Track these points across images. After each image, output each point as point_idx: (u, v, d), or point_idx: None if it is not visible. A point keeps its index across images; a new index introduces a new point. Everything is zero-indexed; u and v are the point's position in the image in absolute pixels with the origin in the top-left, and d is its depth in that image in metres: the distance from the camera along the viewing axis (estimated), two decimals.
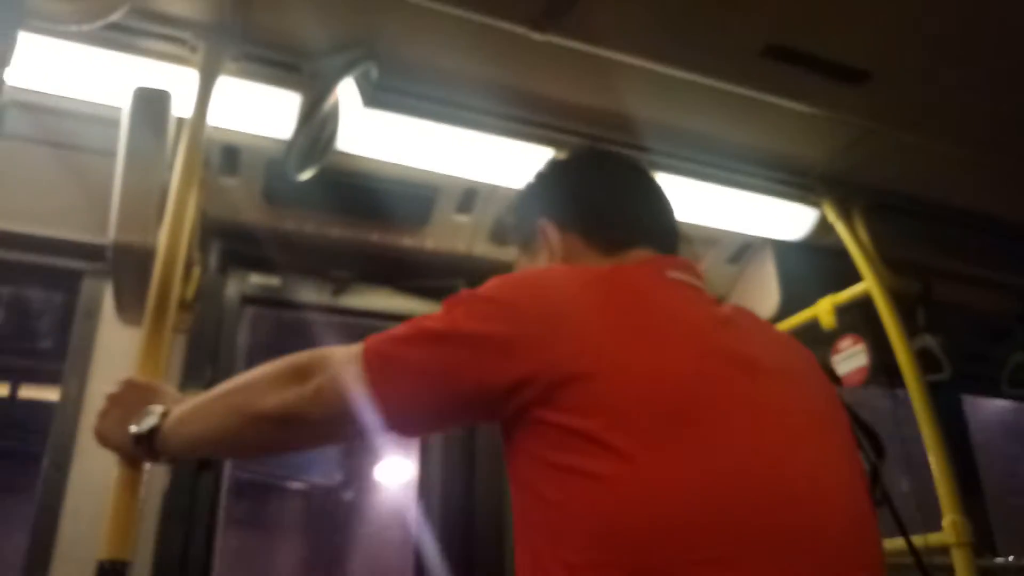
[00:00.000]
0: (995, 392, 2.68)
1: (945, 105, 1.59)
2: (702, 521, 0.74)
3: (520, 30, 1.27)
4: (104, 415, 1.10)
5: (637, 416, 0.78)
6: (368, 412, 0.86)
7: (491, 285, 0.89)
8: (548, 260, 1.07)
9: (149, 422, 1.02)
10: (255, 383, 0.96)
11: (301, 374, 0.91)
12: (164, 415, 1.03)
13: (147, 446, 1.03)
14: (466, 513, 1.95)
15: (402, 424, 0.88)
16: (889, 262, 1.94)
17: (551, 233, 1.08)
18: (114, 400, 1.10)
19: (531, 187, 1.17)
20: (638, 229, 1.07)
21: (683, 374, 0.82)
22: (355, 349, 0.89)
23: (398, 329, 0.89)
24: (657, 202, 1.13)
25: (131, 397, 1.09)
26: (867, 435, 1.03)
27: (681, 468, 0.76)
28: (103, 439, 1.09)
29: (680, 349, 0.84)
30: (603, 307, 0.85)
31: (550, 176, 1.16)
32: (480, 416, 0.90)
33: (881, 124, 1.65)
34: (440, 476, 2.05)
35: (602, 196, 1.11)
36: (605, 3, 1.21)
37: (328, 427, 0.92)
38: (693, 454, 0.77)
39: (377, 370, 0.86)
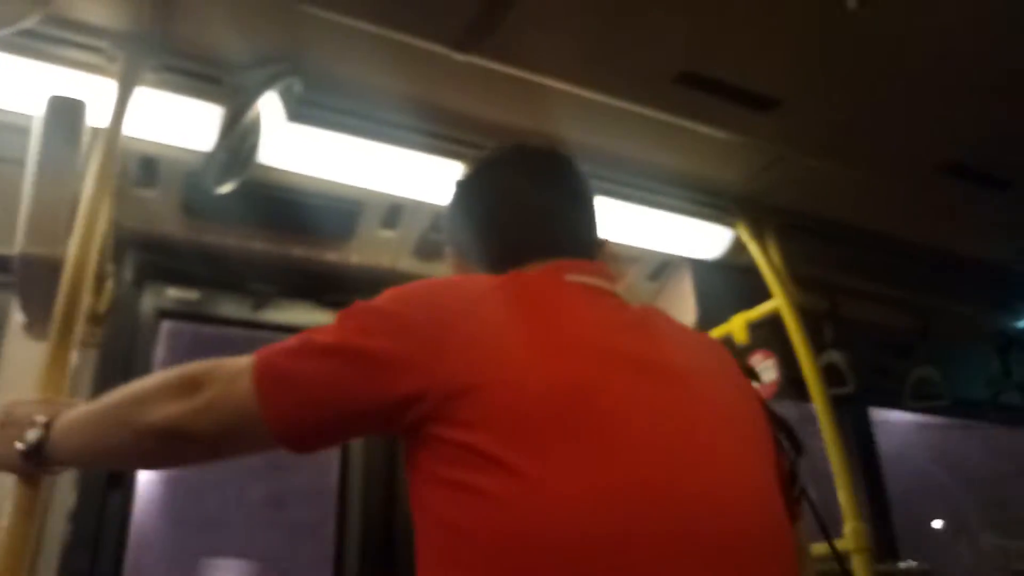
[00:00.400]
0: (899, 405, 2.82)
1: (850, 132, 1.68)
2: (598, 536, 0.71)
3: (442, 50, 1.28)
4: None
5: (527, 428, 0.76)
6: (259, 427, 0.83)
7: (385, 297, 0.87)
8: None
9: (32, 436, 0.98)
10: (142, 395, 0.91)
11: (190, 387, 0.87)
12: (47, 425, 0.99)
13: (36, 459, 0.99)
14: (387, 527, 1.94)
15: (293, 439, 0.85)
16: (798, 280, 2.03)
17: (455, 263, 1.08)
18: (2, 422, 1.07)
19: (445, 213, 1.15)
20: (532, 244, 1.02)
21: (578, 381, 0.79)
22: (245, 361, 0.85)
23: (290, 341, 0.86)
24: (556, 206, 1.06)
25: (17, 414, 1.04)
26: (785, 433, 1.00)
27: (575, 481, 0.73)
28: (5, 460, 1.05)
29: (575, 355, 0.82)
30: (495, 316, 0.83)
31: (450, 201, 1.13)
32: (375, 430, 0.87)
33: (791, 149, 1.74)
34: (360, 485, 2.01)
35: (488, 219, 1.07)
36: (525, 27, 1.24)
37: (218, 442, 0.89)
38: (588, 466, 0.74)
39: (267, 384, 0.83)
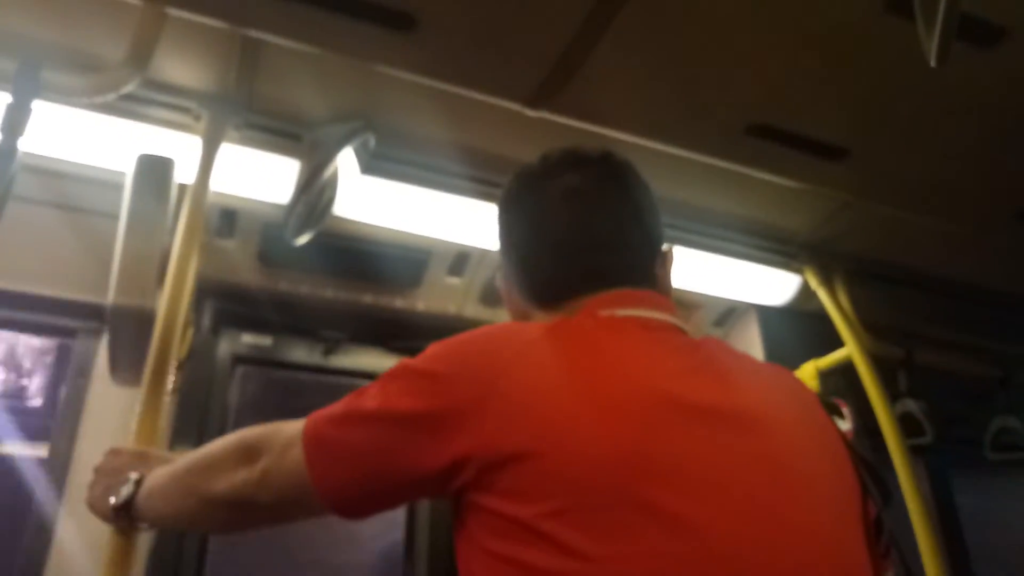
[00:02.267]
0: (979, 457, 2.71)
1: (919, 179, 1.65)
2: None
3: (515, 107, 1.32)
4: (91, 486, 1.10)
5: (583, 500, 0.69)
6: (312, 495, 0.83)
7: (427, 355, 0.82)
8: (512, 318, 0.99)
9: (124, 492, 1.03)
10: (208, 464, 0.93)
11: (249, 456, 0.88)
12: (139, 483, 1.02)
13: (126, 516, 1.03)
14: None
15: (342, 508, 0.84)
16: (870, 327, 1.98)
17: (503, 290, 1.02)
18: (99, 470, 1.11)
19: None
20: (574, 277, 0.93)
21: (637, 443, 0.72)
22: (297, 429, 0.85)
23: (337, 407, 0.84)
24: (602, 229, 0.95)
25: (116, 465, 1.09)
26: (872, 477, 0.89)
27: (640, 559, 0.67)
28: (93, 509, 1.09)
29: (632, 411, 0.74)
30: (540, 373, 0.76)
31: (497, 228, 1.03)
32: (425, 495, 0.84)
33: (860, 197, 1.72)
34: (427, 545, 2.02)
35: (526, 250, 0.98)
36: (596, 83, 1.27)
37: (280, 510, 0.89)
38: (653, 540, 0.68)
39: (315, 454, 0.82)
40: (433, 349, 0.82)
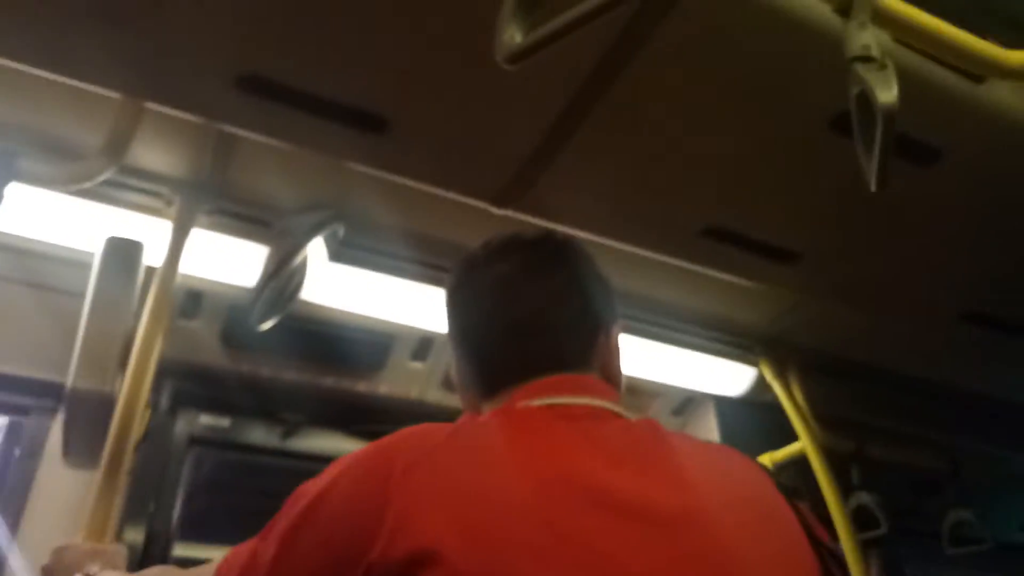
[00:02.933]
0: (934, 548, 2.73)
1: (868, 281, 1.73)
2: None
3: (481, 205, 1.37)
4: None
5: None
6: None
7: (322, 480, 0.78)
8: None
9: None
10: None
11: None
12: None
13: None
14: None
15: None
16: (823, 420, 2.03)
17: (456, 383, 1.00)
18: (49, 570, 1.09)
19: None
20: (502, 370, 0.91)
21: (534, 556, 0.66)
22: None
23: (245, 551, 0.81)
24: (526, 311, 0.93)
25: (67, 563, 1.08)
26: (835, 562, 0.85)
27: None
28: None
29: (535, 519, 0.69)
30: (433, 480, 0.71)
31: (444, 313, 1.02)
32: None
33: (812, 296, 1.79)
34: None
35: (461, 340, 0.97)
36: (559, 186, 1.32)
37: None
38: None
39: None
40: (328, 473, 0.78)
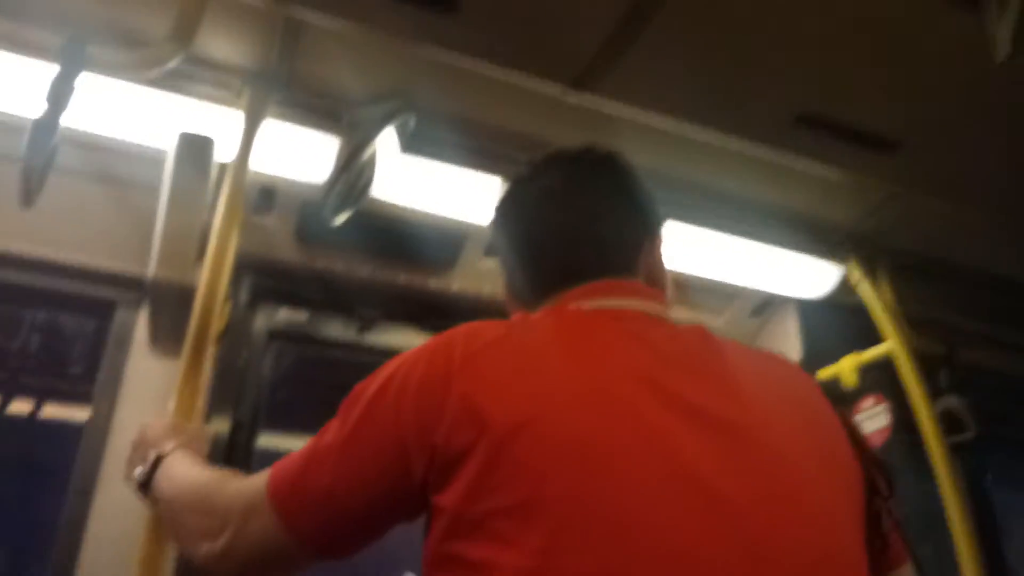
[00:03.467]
0: (1020, 455, 2.65)
1: (971, 173, 1.61)
2: None
3: (557, 88, 1.30)
4: (129, 460, 1.13)
5: (531, 497, 0.68)
6: (294, 551, 0.81)
7: (381, 376, 0.82)
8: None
9: (141, 472, 1.05)
10: (181, 522, 0.95)
11: (210, 526, 0.87)
12: (156, 463, 1.04)
13: (145, 492, 1.06)
14: None
15: (334, 550, 0.83)
16: (913, 323, 1.94)
17: (504, 291, 1.04)
18: (135, 443, 1.13)
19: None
20: (553, 274, 0.96)
21: (585, 441, 0.71)
22: (259, 491, 0.83)
23: (298, 455, 0.84)
24: (580, 226, 0.98)
25: (147, 438, 1.11)
26: (878, 471, 0.88)
27: (581, 558, 0.66)
28: (128, 481, 1.12)
29: (586, 408, 0.73)
30: (493, 373, 0.76)
31: (492, 226, 1.08)
32: (408, 514, 0.81)
33: (909, 190, 1.67)
34: None
35: (509, 252, 1.02)
36: (641, 67, 1.24)
37: (252, 574, 0.88)
38: (598, 540, 0.66)
39: (291, 509, 0.81)
40: (387, 368, 0.82)
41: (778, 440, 0.78)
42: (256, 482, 0.85)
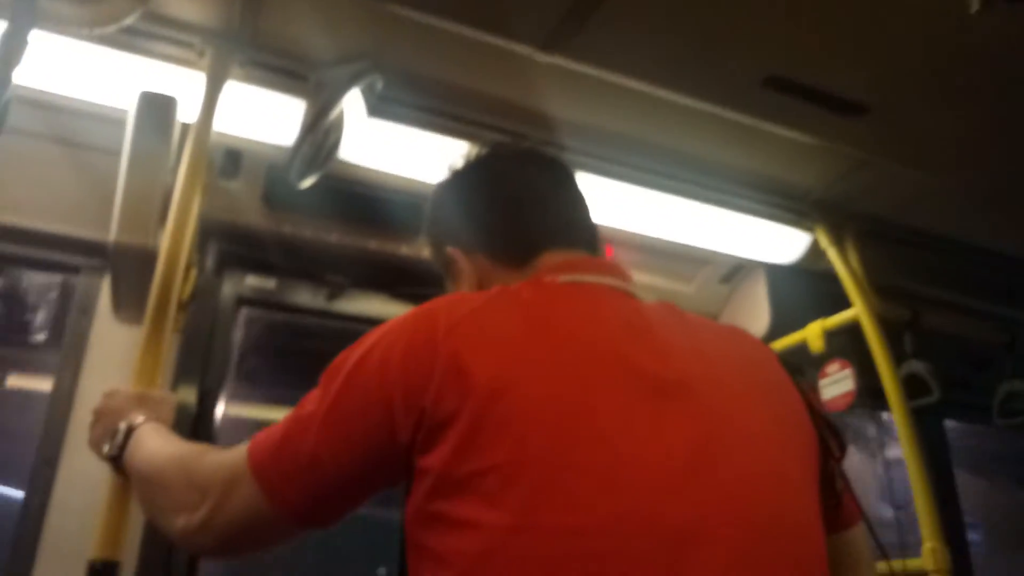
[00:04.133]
0: (980, 419, 2.71)
1: (940, 139, 1.62)
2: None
3: (526, 50, 1.28)
4: (91, 426, 1.12)
5: (513, 459, 0.71)
6: (277, 522, 0.82)
7: (364, 345, 0.83)
8: (468, 287, 1.00)
9: (113, 445, 1.04)
10: (156, 496, 0.94)
11: (188, 503, 0.86)
12: (128, 435, 1.03)
13: (117, 464, 1.05)
14: None
15: (316, 518, 0.83)
16: (879, 289, 1.96)
17: (461, 261, 1.02)
18: (97, 412, 1.12)
19: (430, 215, 1.12)
20: (540, 234, 1.00)
21: (564, 404, 0.74)
22: (239, 462, 0.83)
23: (278, 426, 0.84)
24: (559, 198, 1.05)
25: (113, 407, 1.10)
26: (831, 434, 0.93)
27: (560, 515, 0.69)
28: (94, 450, 1.10)
29: (565, 372, 0.77)
30: (477, 340, 0.78)
31: (443, 199, 1.10)
32: (390, 479, 0.82)
33: (877, 155, 1.68)
34: None
35: (494, 209, 1.03)
36: (611, 28, 1.23)
37: (230, 546, 0.88)
38: (571, 501, 0.69)
39: (273, 478, 0.81)
40: (371, 338, 0.83)
41: (736, 404, 0.83)
42: (236, 454, 0.85)
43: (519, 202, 1.03)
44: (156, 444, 1.00)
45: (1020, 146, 1.68)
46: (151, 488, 0.96)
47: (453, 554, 0.71)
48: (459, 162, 1.11)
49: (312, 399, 0.83)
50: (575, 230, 1.02)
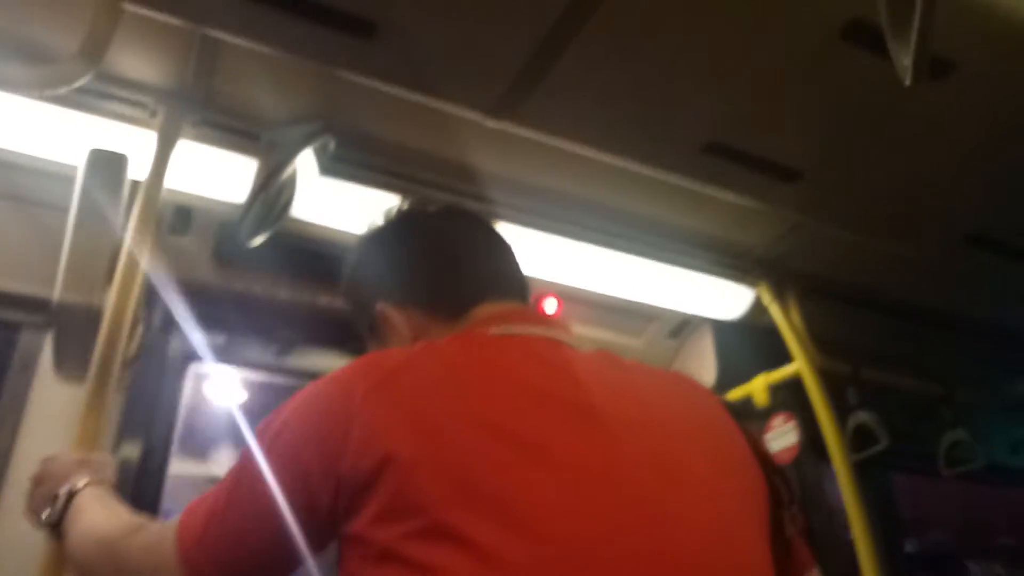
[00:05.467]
0: (925, 470, 2.77)
1: (870, 202, 1.70)
2: None
3: (475, 116, 1.32)
4: (29, 493, 1.09)
5: (434, 523, 0.69)
6: None
7: (282, 414, 0.82)
8: (399, 343, 0.97)
9: (53, 512, 1.02)
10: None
11: None
12: (69, 500, 1.01)
13: (56, 533, 1.02)
14: None
15: None
16: (820, 343, 2.02)
17: (393, 316, 0.99)
18: (35, 478, 1.09)
19: (353, 272, 1.11)
20: (474, 286, 1.00)
21: (488, 455, 0.72)
22: (168, 549, 0.81)
23: (205, 503, 0.83)
24: (491, 250, 1.06)
25: (52, 472, 1.08)
26: (781, 479, 0.91)
27: (496, 550, 0.67)
28: (30, 518, 1.08)
29: (497, 420, 0.75)
30: (396, 397, 0.76)
31: (369, 255, 1.10)
32: (318, 549, 0.79)
33: (812, 217, 1.75)
34: None
35: (428, 262, 1.03)
36: (557, 96, 1.27)
37: None
38: (504, 535, 0.68)
39: (202, 566, 0.79)
40: (286, 407, 0.82)
41: (680, 449, 0.81)
42: (164, 539, 0.83)
43: (453, 254, 1.03)
44: (89, 518, 0.97)
45: (948, 211, 1.77)
46: (85, 567, 0.95)
47: None
48: (382, 218, 1.11)
49: (234, 472, 0.82)
50: (507, 281, 1.03)
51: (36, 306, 1.66)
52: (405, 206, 1.12)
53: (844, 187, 1.59)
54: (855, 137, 1.48)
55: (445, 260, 1.03)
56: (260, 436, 0.81)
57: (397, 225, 1.10)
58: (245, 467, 0.81)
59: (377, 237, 1.11)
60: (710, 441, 0.86)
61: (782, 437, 2.04)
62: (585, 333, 2.19)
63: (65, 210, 1.42)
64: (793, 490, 0.93)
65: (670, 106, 1.32)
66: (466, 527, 0.68)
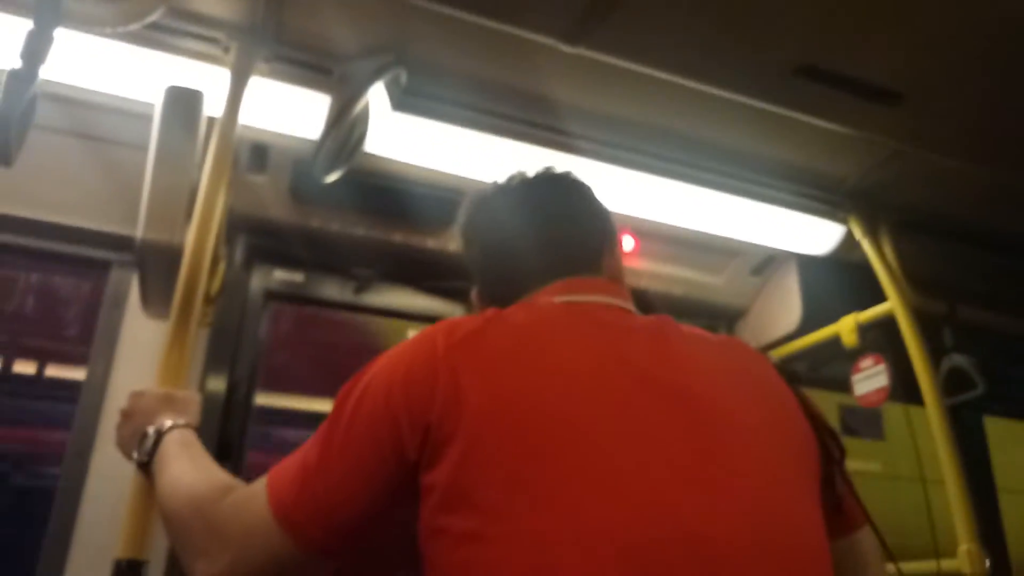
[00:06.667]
0: (1018, 414, 2.65)
1: (976, 128, 1.57)
2: None
3: (551, 42, 1.26)
4: (118, 427, 1.13)
5: (503, 465, 0.74)
6: (304, 561, 0.81)
7: (369, 372, 0.86)
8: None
9: (142, 452, 1.05)
10: (177, 532, 0.93)
11: (207, 550, 0.85)
12: (157, 442, 1.04)
13: (146, 470, 1.06)
14: None
15: (344, 552, 0.83)
16: (915, 282, 1.92)
17: (477, 303, 1.12)
18: (125, 413, 1.13)
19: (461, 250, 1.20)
20: (534, 271, 1.04)
21: (562, 420, 0.77)
22: (260, 509, 0.83)
23: (295, 461, 0.85)
24: (550, 228, 1.09)
25: (141, 408, 1.11)
26: (831, 438, 0.95)
27: (548, 522, 0.71)
28: (121, 450, 1.11)
29: (558, 388, 0.80)
30: (475, 359, 0.82)
31: (464, 239, 1.18)
32: (407, 504, 0.81)
33: (912, 145, 1.64)
34: None
35: (490, 254, 1.11)
36: (637, 19, 1.20)
37: None
38: (561, 507, 0.72)
39: (299, 521, 0.81)
40: (371, 367, 0.87)
41: (731, 409, 0.85)
42: (254, 498, 0.84)
43: (506, 253, 1.09)
44: (179, 472, 0.99)
45: None
46: (171, 525, 0.95)
47: (459, 567, 0.73)
48: (469, 207, 1.19)
49: (323, 432, 0.85)
50: (566, 259, 1.06)
51: (123, 244, 1.71)
52: (481, 192, 1.17)
53: (948, 110, 1.47)
54: (960, 55, 1.36)
55: (505, 259, 1.09)
56: (347, 393, 0.85)
57: (469, 223, 1.16)
58: (336, 423, 0.84)
59: (462, 229, 1.18)
60: (762, 403, 0.90)
61: (871, 379, 1.96)
62: (663, 270, 2.13)
63: (144, 148, 1.44)
64: (843, 447, 0.96)
65: (759, 25, 1.23)
66: (532, 478, 0.73)
